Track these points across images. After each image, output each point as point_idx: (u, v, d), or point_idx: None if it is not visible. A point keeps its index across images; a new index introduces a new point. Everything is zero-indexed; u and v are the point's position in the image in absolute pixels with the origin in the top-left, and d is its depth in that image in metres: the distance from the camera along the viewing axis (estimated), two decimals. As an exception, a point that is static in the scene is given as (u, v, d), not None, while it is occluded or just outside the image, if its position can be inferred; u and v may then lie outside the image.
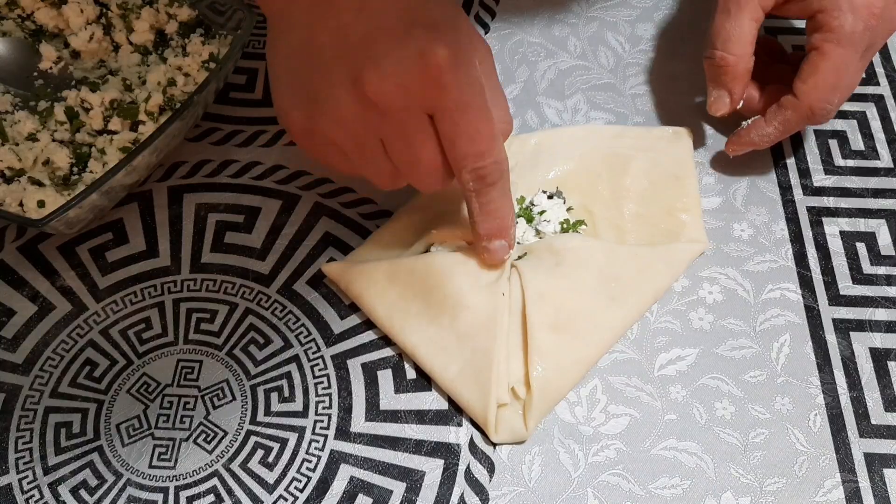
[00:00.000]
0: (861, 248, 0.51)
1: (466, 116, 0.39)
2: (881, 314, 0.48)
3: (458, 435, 0.44)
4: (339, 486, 0.43)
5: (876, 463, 0.43)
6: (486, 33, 0.61)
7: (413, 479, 0.43)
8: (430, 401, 0.45)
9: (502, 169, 0.42)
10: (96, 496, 0.42)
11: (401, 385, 0.46)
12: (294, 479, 0.43)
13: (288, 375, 0.46)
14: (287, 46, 0.40)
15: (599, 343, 0.46)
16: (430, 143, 0.40)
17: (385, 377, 0.46)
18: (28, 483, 0.42)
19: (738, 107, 0.52)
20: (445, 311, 0.45)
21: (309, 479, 0.43)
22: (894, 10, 0.48)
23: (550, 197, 0.51)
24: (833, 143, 0.55)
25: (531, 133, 0.54)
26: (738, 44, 0.49)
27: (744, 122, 0.52)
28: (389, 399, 0.45)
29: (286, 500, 0.42)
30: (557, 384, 0.44)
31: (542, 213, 0.49)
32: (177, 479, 0.43)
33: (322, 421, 0.45)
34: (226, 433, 0.44)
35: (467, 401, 0.44)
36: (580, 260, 0.46)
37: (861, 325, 0.47)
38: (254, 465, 0.43)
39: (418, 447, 0.44)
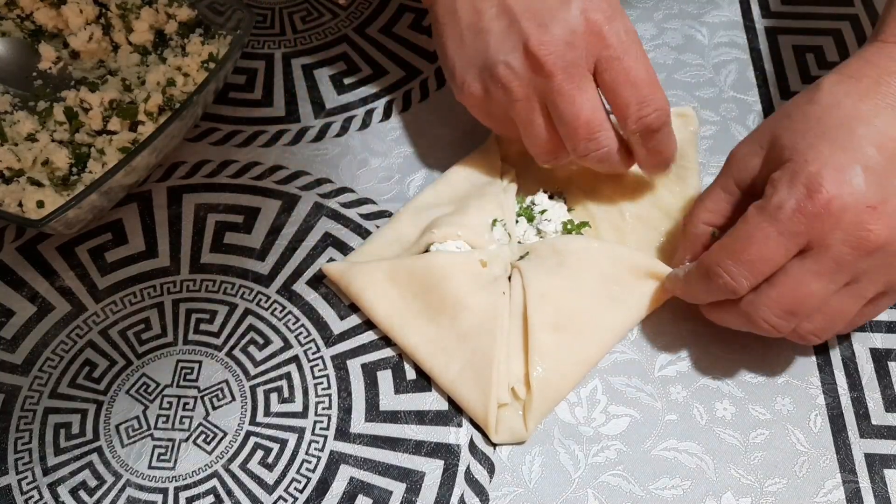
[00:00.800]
0: (861, 248, 0.50)
1: (626, 63, 0.43)
2: (881, 315, 0.48)
3: (458, 435, 0.44)
4: (338, 486, 0.43)
5: (876, 463, 0.43)
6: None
7: (413, 480, 0.43)
8: (430, 401, 0.45)
9: (665, 115, 0.44)
10: (96, 497, 0.42)
11: (401, 385, 0.46)
12: (294, 479, 0.43)
13: (287, 376, 0.46)
14: (456, 29, 0.46)
15: (600, 344, 0.46)
16: (591, 94, 0.44)
17: (385, 378, 0.46)
18: (27, 484, 0.42)
19: None
20: (445, 311, 0.45)
21: (309, 479, 0.43)
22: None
23: (551, 197, 0.50)
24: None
25: (395, 217, 0.51)
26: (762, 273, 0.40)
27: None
28: (389, 399, 0.45)
29: (286, 500, 0.42)
30: (558, 385, 0.44)
31: (543, 212, 0.49)
32: (176, 480, 0.43)
33: (322, 421, 0.44)
34: (225, 434, 0.44)
35: (467, 401, 0.44)
36: (582, 261, 0.46)
37: (861, 326, 0.47)
38: (253, 465, 0.43)
39: (418, 448, 0.44)
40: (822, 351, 0.47)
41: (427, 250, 0.48)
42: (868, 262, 0.38)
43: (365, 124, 0.56)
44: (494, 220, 0.48)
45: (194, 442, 0.44)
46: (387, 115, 0.57)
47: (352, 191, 0.53)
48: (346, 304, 0.48)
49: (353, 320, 0.48)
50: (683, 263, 0.45)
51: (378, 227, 0.51)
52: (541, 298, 0.45)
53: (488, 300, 0.45)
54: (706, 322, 0.47)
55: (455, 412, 0.45)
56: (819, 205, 0.37)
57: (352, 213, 0.52)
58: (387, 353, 0.47)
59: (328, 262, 0.50)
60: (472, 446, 0.44)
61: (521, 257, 0.48)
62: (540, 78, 0.43)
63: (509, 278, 0.46)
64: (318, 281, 0.49)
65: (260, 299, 0.49)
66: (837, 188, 0.37)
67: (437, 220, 0.49)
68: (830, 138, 0.38)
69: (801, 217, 0.37)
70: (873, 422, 0.44)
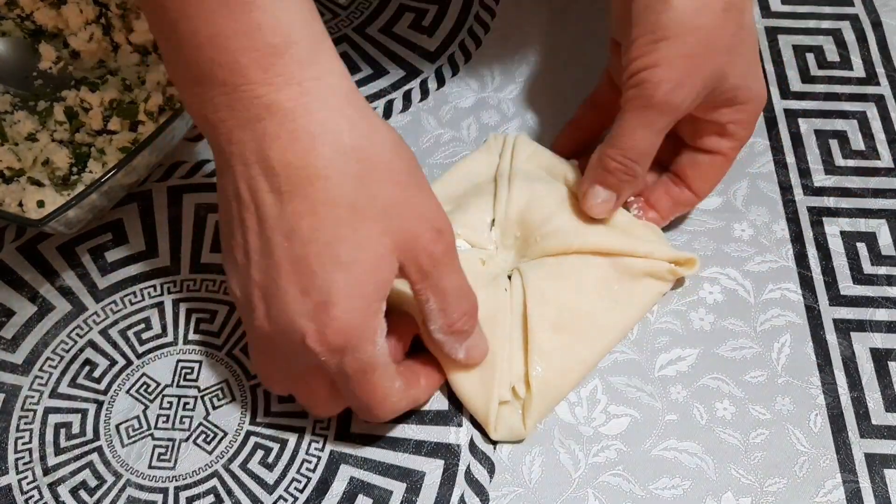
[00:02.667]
0: (862, 248, 0.50)
1: (439, 282, 0.38)
2: (882, 314, 0.48)
3: (459, 435, 0.44)
4: (339, 486, 0.43)
5: (877, 463, 0.43)
6: (486, 33, 0.61)
7: (413, 480, 0.43)
8: (430, 401, 0.45)
9: (474, 319, 0.41)
10: (96, 497, 0.42)
11: (401, 385, 0.46)
12: (294, 479, 0.43)
13: (288, 376, 0.46)
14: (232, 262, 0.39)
15: (600, 345, 0.46)
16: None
17: (385, 377, 0.46)
18: (28, 483, 0.42)
19: None
20: None
21: (309, 479, 0.43)
22: None
23: None
24: (833, 143, 0.55)
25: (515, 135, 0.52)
26: (647, 156, 0.44)
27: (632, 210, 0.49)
28: (389, 399, 0.45)
29: (286, 500, 0.42)
30: (557, 384, 0.44)
31: None
32: (176, 480, 0.43)
33: (322, 421, 0.44)
34: (225, 433, 0.44)
35: (469, 396, 0.44)
36: (583, 261, 0.46)
37: (862, 326, 0.47)
38: (254, 465, 0.43)
39: (418, 447, 0.43)
40: (822, 351, 0.47)
41: None
42: None
43: (365, 124, 0.56)
44: (493, 220, 0.48)
45: (194, 442, 0.44)
46: (387, 114, 0.57)
47: (352, 191, 0.53)
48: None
49: (354, 320, 0.48)
50: (610, 206, 0.47)
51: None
52: (541, 298, 0.45)
53: (489, 298, 0.45)
54: (707, 322, 0.47)
55: (455, 412, 0.45)
56: None
57: (352, 213, 0.52)
58: (387, 352, 0.47)
59: None
60: (473, 446, 0.44)
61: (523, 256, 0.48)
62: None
63: (509, 277, 0.46)
64: (319, 281, 0.49)
65: (260, 299, 0.49)
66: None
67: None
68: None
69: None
70: (873, 422, 0.44)
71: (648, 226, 0.49)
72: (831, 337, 0.47)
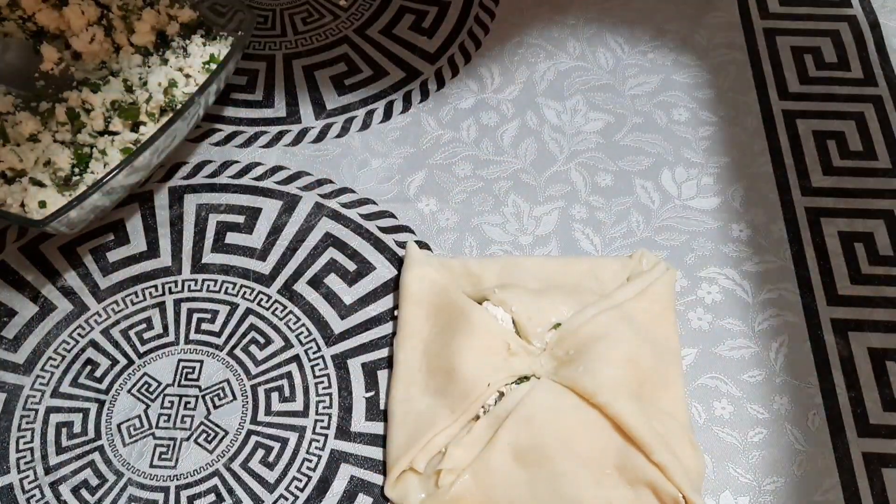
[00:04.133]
0: (859, 248, 0.51)
1: None
2: (880, 314, 0.48)
3: (458, 434, 0.44)
4: (339, 485, 0.43)
5: (874, 462, 0.43)
6: (485, 35, 0.61)
7: (413, 479, 0.43)
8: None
9: None
10: (97, 496, 0.42)
11: (401, 385, 0.46)
12: (294, 478, 0.43)
13: (288, 375, 0.46)
14: None
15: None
16: None
17: (385, 377, 0.46)
18: (29, 483, 0.43)
19: None
20: (445, 357, 0.44)
21: (309, 478, 0.43)
22: None
23: None
24: (831, 144, 0.55)
25: (494, 258, 0.49)
26: None
27: None
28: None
29: (287, 499, 0.42)
30: None
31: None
32: (178, 479, 0.43)
33: (322, 420, 0.45)
34: (226, 433, 0.44)
35: (394, 437, 0.42)
36: (594, 422, 0.42)
37: (859, 325, 0.47)
38: (254, 464, 0.43)
39: (418, 447, 0.44)
40: (819, 350, 0.47)
41: (481, 301, 0.46)
42: None
43: (365, 125, 0.57)
44: (558, 324, 0.45)
45: (195, 441, 0.44)
46: (387, 115, 0.57)
47: (352, 191, 0.53)
48: (346, 304, 0.49)
49: (353, 320, 0.48)
50: None
51: (379, 227, 0.51)
52: (524, 423, 0.41)
53: (485, 381, 0.42)
54: (705, 322, 0.48)
55: (455, 411, 0.45)
56: None
57: (352, 214, 0.52)
58: (386, 352, 0.47)
59: (345, 256, 0.50)
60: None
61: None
62: None
63: (521, 381, 0.43)
64: (319, 281, 0.50)
65: (261, 299, 0.49)
66: None
67: (514, 286, 0.46)
68: None
69: None
70: (871, 421, 0.44)
71: (697, 450, 0.42)
72: (829, 337, 0.47)
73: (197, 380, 0.46)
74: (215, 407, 0.45)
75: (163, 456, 0.43)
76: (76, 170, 0.50)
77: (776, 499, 0.42)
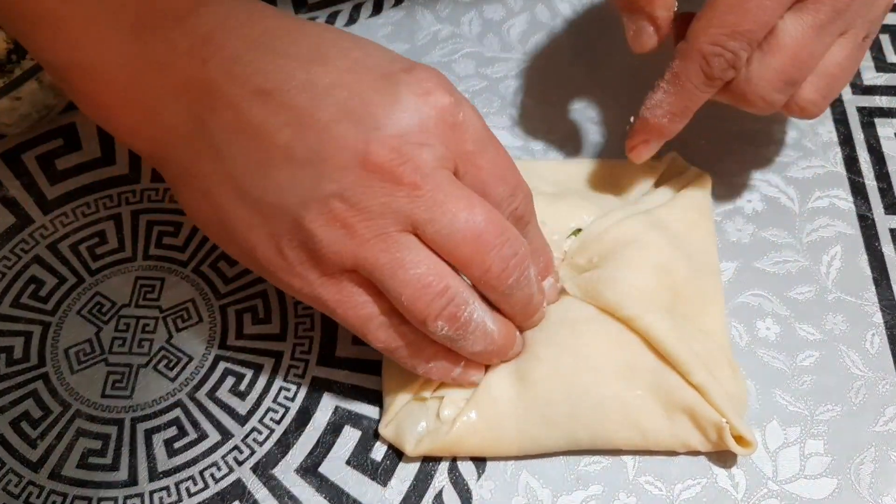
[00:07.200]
0: (920, 151, 0.44)
1: (488, 154, 0.33)
2: (945, 229, 0.42)
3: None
4: (321, 417, 0.37)
5: (944, 388, 0.37)
6: None
7: (408, 409, 0.37)
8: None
9: (531, 201, 0.35)
10: (40, 429, 0.37)
11: (393, 304, 0.40)
12: (270, 409, 0.37)
13: (263, 294, 0.40)
14: (221, 174, 0.32)
15: (563, 439, 0.35)
16: (475, 198, 0.32)
17: (375, 295, 0.40)
18: (-39, 415, 0.37)
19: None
20: None
21: (287, 409, 0.37)
22: None
23: None
24: (885, 39, 0.49)
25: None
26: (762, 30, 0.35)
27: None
28: (380, 320, 0.39)
29: (261, 433, 0.37)
30: (484, 440, 0.35)
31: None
32: (133, 410, 0.37)
33: (302, 344, 0.39)
34: (191, 358, 0.38)
35: (389, 364, 0.37)
36: (622, 337, 0.36)
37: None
38: (223, 394, 0.38)
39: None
40: (877, 263, 0.41)
41: None
42: (858, 1, 0.35)
43: (352, 19, 0.50)
44: (577, 230, 0.39)
45: (155, 368, 0.38)
46: (377, 9, 0.50)
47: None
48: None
49: (339, 233, 0.42)
50: (649, 33, 0.36)
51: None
52: (531, 344, 0.36)
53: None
54: (745, 234, 0.42)
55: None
56: None
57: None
58: (377, 268, 0.41)
59: None
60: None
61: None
62: (401, 196, 0.31)
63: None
64: (299, 190, 0.43)
65: (232, 210, 0.43)
66: None
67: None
68: None
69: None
70: (939, 341, 0.39)
71: (738, 375, 0.37)
72: (888, 248, 0.41)
73: (157, 299, 0.40)
74: (178, 330, 0.39)
75: (117, 384, 0.38)
76: (14, 56, 0.43)
77: (831, 429, 0.36)
